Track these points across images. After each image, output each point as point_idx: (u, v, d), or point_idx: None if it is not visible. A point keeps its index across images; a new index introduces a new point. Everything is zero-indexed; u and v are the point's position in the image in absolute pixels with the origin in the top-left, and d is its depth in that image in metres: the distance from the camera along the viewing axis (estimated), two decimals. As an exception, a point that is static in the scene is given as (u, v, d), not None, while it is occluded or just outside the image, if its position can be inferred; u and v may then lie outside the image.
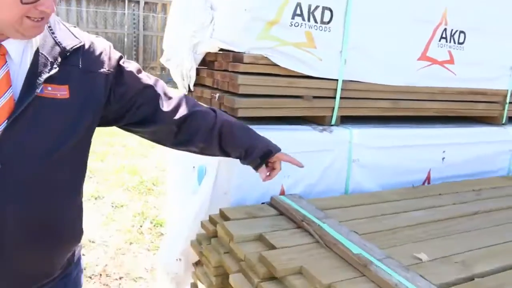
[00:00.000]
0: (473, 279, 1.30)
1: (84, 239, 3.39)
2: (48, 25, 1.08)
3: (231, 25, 1.80)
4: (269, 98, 1.84)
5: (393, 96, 2.13)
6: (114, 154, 5.59)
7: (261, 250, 1.38)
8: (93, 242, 3.51)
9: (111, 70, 1.18)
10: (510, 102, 2.59)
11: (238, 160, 1.49)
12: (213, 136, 1.39)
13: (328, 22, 1.86)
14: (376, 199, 1.89)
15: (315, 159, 1.89)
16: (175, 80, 2.17)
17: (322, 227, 1.47)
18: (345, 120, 2.09)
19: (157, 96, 1.31)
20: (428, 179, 2.28)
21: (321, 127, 1.94)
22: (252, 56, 1.76)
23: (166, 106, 1.32)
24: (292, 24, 1.78)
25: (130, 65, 1.26)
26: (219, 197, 1.81)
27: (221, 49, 1.86)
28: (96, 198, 4.18)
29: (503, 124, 2.62)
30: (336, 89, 1.95)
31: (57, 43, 1.07)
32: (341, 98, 1.97)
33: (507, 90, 2.53)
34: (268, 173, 1.49)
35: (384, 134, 2.09)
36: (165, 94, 1.33)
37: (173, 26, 2.10)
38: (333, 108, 1.97)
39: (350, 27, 1.90)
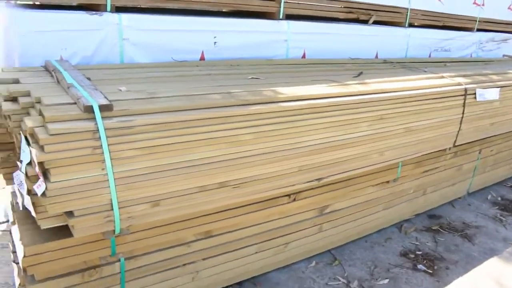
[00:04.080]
0: (155, 98, 1.94)
1: None
2: None
3: None
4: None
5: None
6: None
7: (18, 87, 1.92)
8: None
9: None
10: (286, 1, 3.24)
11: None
12: None
13: None
14: (137, 66, 2.48)
15: (87, 37, 2.43)
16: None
17: (63, 73, 2.04)
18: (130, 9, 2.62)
19: None
20: (202, 59, 2.90)
21: (93, 12, 2.46)
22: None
23: None
24: None
25: None
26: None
27: None
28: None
29: (280, 19, 3.26)
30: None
31: None
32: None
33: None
34: None
35: (154, 20, 2.65)
36: None
37: None
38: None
39: None
